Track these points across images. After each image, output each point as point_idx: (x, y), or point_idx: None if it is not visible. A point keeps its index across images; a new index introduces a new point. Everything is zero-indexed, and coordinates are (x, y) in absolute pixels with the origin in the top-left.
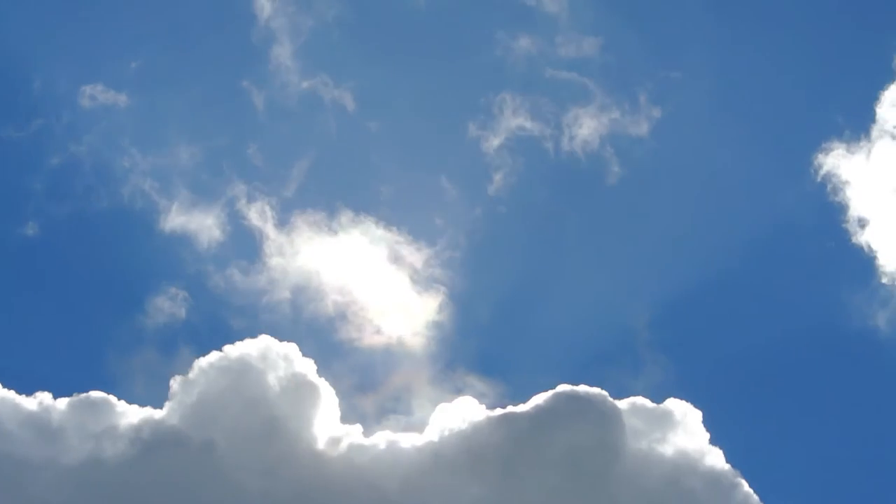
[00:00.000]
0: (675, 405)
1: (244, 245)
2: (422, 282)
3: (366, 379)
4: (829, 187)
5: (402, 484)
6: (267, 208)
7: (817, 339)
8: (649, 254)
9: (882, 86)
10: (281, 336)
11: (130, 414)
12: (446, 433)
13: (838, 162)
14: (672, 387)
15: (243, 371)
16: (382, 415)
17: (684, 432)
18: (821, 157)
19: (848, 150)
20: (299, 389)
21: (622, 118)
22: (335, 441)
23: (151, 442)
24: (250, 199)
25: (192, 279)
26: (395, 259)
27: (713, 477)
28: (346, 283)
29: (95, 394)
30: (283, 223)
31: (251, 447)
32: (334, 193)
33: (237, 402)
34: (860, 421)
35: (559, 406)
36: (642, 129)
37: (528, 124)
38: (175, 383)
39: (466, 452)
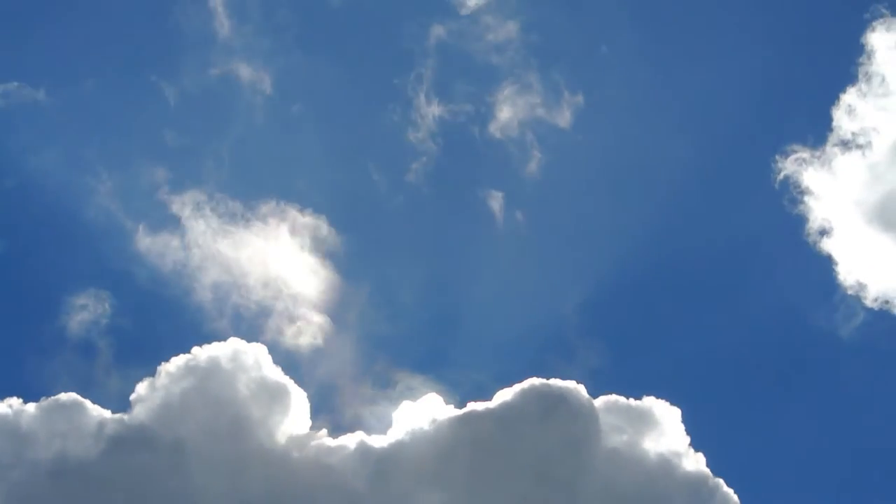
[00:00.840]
0: (650, 402)
1: (166, 235)
2: (346, 271)
3: (305, 375)
4: (787, 195)
5: (369, 484)
6: (189, 199)
7: (778, 344)
8: (582, 242)
9: (841, 90)
10: (205, 330)
11: (99, 415)
12: (412, 432)
13: (798, 168)
14: (605, 381)
15: (210, 373)
16: (325, 412)
17: (659, 431)
18: (781, 162)
19: (808, 155)
20: (262, 390)
21: (546, 103)
22: (301, 441)
23: (120, 442)
24: (173, 190)
25: (119, 276)
26: (319, 248)
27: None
28: (270, 274)
29: (65, 396)
30: (203, 213)
31: (219, 448)
32: (255, 182)
33: (204, 404)
34: (822, 422)
35: (528, 402)
36: (566, 116)
37: (451, 109)
38: (142, 386)
39: (434, 453)
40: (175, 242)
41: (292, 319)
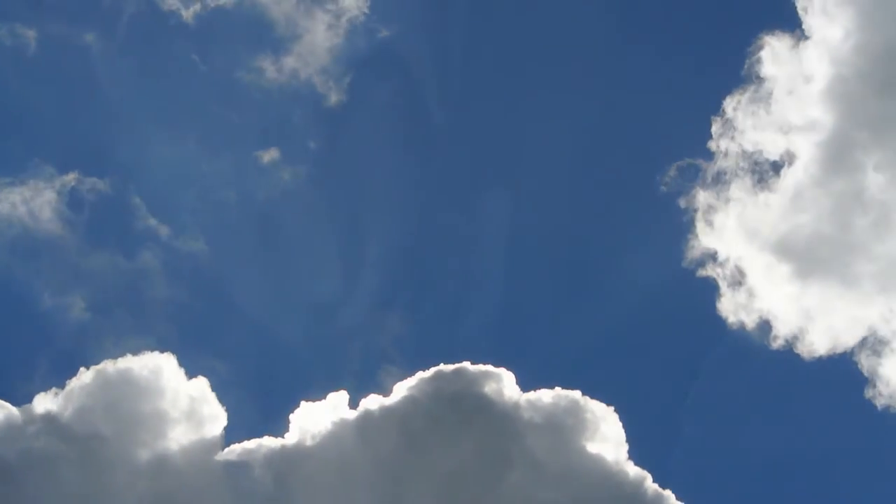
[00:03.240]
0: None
1: None
2: None
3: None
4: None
5: (275, 487)
6: None
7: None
8: None
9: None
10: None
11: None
12: (313, 433)
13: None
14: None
15: (124, 382)
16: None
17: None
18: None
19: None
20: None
21: None
22: (208, 445)
23: (40, 439)
24: None
25: None
26: None
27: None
28: None
29: None
30: None
31: (135, 451)
32: None
33: (120, 410)
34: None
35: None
36: None
37: None
38: (62, 390)
39: (338, 453)
40: None
41: None
